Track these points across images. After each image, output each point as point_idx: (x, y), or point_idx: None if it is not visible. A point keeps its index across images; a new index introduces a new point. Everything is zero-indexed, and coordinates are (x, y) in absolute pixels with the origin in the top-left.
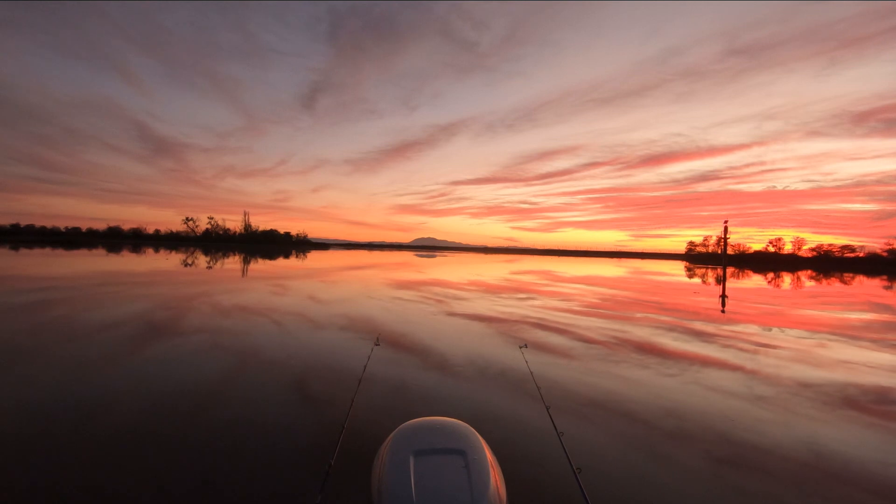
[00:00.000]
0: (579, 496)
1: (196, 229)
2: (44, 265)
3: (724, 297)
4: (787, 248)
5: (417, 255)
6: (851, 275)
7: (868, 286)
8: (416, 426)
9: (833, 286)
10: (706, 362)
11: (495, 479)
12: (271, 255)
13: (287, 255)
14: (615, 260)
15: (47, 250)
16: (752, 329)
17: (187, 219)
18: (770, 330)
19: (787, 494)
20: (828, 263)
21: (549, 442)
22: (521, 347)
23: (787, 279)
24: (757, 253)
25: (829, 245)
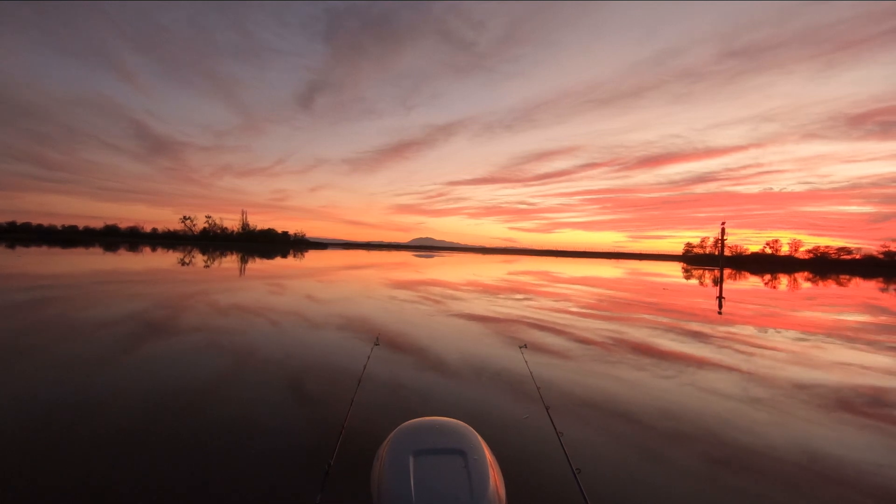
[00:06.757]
0: (579, 497)
1: (193, 228)
2: (40, 263)
3: (720, 298)
4: (784, 249)
5: (416, 256)
6: (848, 277)
7: (864, 288)
8: (416, 426)
9: (829, 288)
10: (702, 363)
11: (495, 479)
12: (269, 255)
13: (285, 255)
14: (613, 261)
15: (44, 248)
16: (748, 330)
17: (185, 217)
18: (766, 331)
19: (782, 496)
20: (824, 265)
21: (549, 442)
22: (520, 348)
23: (783, 281)
24: (754, 254)
25: (826, 247)
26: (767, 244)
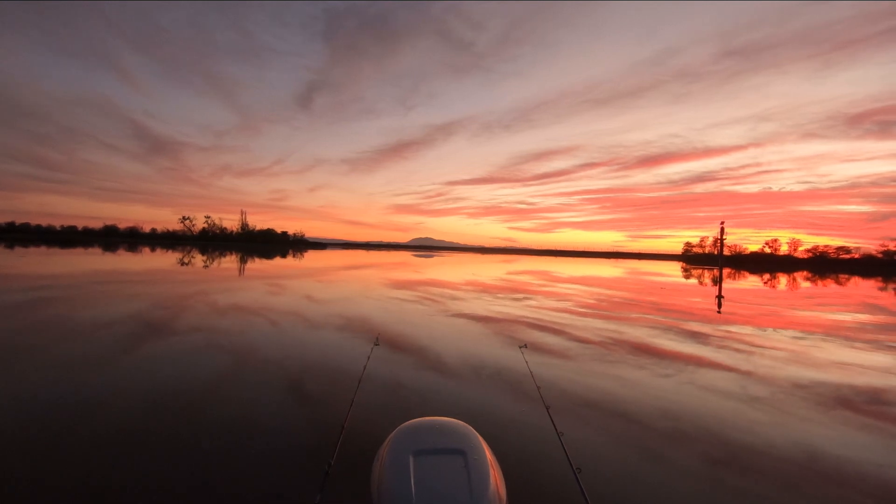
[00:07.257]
0: (579, 497)
1: (193, 228)
2: (40, 264)
3: (720, 297)
4: (783, 249)
5: (415, 255)
6: (847, 276)
7: (863, 287)
8: (416, 426)
9: (828, 287)
10: (701, 363)
11: (495, 479)
12: (268, 255)
13: (284, 255)
14: (612, 261)
15: (43, 249)
16: (747, 330)
17: (184, 218)
18: (765, 331)
19: (782, 496)
20: (823, 264)
21: (549, 442)
22: (520, 348)
23: (782, 280)
24: (753, 254)
25: (825, 246)
26: (767, 243)
